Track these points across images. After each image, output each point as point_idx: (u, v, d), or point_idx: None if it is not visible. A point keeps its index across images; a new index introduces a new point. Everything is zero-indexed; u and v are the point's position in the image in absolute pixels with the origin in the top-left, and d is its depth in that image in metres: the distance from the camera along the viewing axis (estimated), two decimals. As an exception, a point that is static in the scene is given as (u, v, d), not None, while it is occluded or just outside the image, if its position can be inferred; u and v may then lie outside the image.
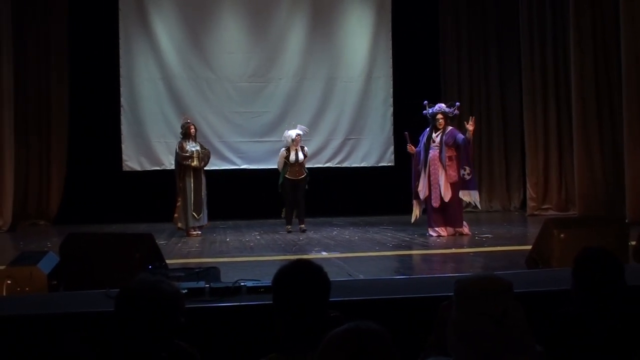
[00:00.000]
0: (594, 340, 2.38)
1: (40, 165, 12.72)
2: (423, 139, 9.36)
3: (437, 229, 9.12)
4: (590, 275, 2.47)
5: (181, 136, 10.22)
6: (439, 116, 9.21)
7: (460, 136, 9.08)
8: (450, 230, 9.11)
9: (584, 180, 11.39)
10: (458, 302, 1.90)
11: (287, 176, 10.14)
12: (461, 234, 9.07)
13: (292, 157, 10.14)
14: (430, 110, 9.32)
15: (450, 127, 9.27)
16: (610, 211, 10.84)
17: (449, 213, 9.15)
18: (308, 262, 2.18)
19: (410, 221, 9.65)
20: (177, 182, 10.09)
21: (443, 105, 9.43)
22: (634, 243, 5.44)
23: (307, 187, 10.27)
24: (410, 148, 9.45)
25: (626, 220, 8.83)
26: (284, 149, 10.34)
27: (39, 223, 12.44)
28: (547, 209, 12.41)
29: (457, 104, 9.56)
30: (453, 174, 9.10)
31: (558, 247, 5.06)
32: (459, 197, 9.22)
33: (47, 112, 12.71)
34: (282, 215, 10.32)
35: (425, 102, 9.48)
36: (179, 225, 10.00)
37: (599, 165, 11.50)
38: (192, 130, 10.14)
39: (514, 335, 1.82)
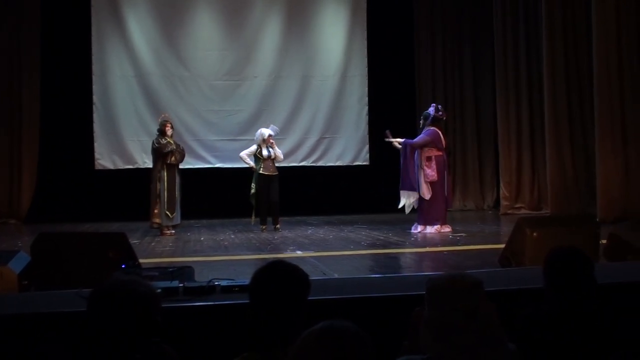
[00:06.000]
0: (566, 339, 2.41)
1: (11, 163, 12.54)
2: None
3: (419, 226, 9.42)
4: (560, 274, 2.51)
5: (157, 133, 10.15)
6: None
7: (408, 140, 9.53)
8: (430, 228, 9.32)
9: (556, 179, 11.53)
10: (431, 299, 1.93)
11: (261, 172, 10.16)
12: (439, 232, 9.26)
13: (265, 152, 10.18)
14: None
15: (428, 128, 9.51)
16: (581, 210, 11.00)
17: (429, 211, 9.38)
18: (286, 263, 2.19)
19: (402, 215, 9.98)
20: (153, 180, 9.99)
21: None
22: (604, 242, 5.52)
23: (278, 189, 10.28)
24: (395, 144, 9.63)
25: (597, 219, 8.97)
26: (255, 145, 10.38)
27: (10, 222, 12.26)
28: (519, 208, 12.55)
29: (439, 106, 9.92)
30: (432, 173, 9.30)
31: (530, 246, 5.12)
32: (442, 196, 9.44)
33: (18, 110, 12.54)
34: (252, 222, 10.31)
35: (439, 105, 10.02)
36: (157, 220, 9.86)
37: (570, 164, 11.66)
38: (168, 129, 10.04)
39: (487, 330, 1.84)
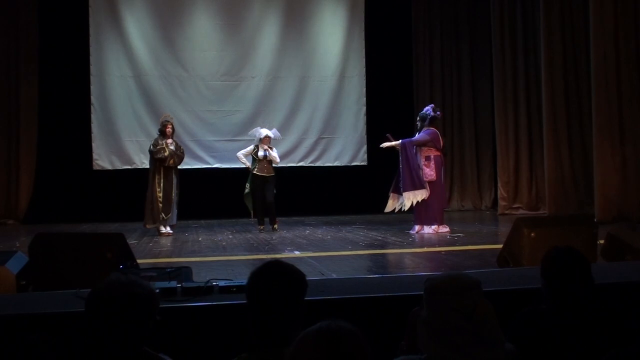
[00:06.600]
0: (564, 339, 2.41)
1: (9, 163, 12.53)
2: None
3: (416, 226, 9.43)
4: (557, 274, 2.51)
5: (158, 133, 10.15)
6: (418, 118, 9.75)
7: (407, 139, 9.48)
8: (428, 228, 9.31)
9: (553, 179, 11.55)
10: (428, 299, 1.93)
11: (255, 172, 10.16)
12: (436, 232, 9.25)
13: (261, 152, 10.18)
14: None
15: (428, 128, 9.49)
16: (579, 210, 11.02)
17: (427, 211, 9.37)
18: (282, 263, 2.18)
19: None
20: (150, 182, 9.98)
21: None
22: (602, 242, 5.53)
23: (275, 191, 10.26)
24: (395, 146, 9.63)
25: (595, 220, 8.98)
26: (252, 146, 10.39)
27: (8, 222, 12.25)
28: (517, 208, 12.56)
29: (432, 106, 9.87)
30: (430, 173, 9.33)
31: (528, 246, 5.12)
32: (440, 196, 9.45)
33: (16, 110, 12.53)
34: (252, 217, 10.39)
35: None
36: (159, 221, 9.88)
37: (568, 164, 11.68)
38: (168, 130, 10.03)
39: (484, 330, 1.85)
